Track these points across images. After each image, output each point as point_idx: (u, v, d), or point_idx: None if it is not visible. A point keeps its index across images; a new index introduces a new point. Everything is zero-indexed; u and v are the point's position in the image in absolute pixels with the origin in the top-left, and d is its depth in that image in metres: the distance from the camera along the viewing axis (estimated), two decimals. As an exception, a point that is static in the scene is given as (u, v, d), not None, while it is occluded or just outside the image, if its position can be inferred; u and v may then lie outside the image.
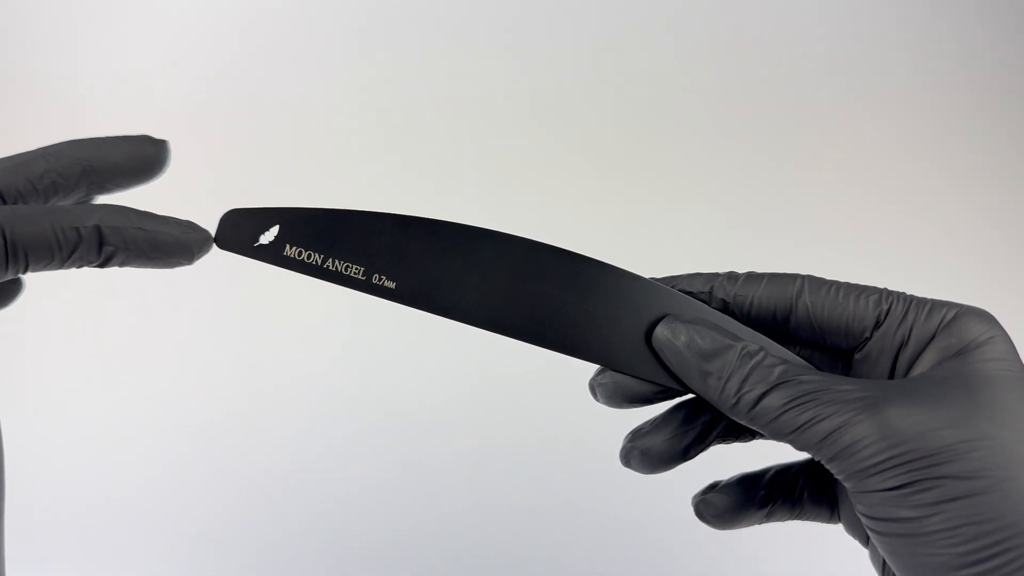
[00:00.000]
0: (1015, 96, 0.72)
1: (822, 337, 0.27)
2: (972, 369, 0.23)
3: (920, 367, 0.25)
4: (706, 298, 0.27)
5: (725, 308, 0.27)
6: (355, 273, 0.27)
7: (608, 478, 0.58)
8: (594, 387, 0.27)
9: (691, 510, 0.28)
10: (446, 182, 0.68)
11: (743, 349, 0.25)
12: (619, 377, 0.27)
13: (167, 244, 0.25)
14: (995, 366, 0.23)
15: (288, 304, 0.64)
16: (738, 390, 0.24)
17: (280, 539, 0.61)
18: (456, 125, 0.69)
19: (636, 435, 0.27)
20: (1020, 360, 0.24)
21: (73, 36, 0.67)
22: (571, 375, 0.30)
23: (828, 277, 0.27)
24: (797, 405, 0.23)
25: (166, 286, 0.65)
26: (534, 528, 0.62)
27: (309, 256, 0.27)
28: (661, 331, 0.26)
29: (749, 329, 0.26)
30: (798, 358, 0.26)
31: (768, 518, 0.28)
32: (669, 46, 0.70)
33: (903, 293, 0.26)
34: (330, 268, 0.27)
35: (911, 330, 0.25)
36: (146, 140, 0.27)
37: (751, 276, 0.27)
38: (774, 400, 0.23)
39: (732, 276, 0.27)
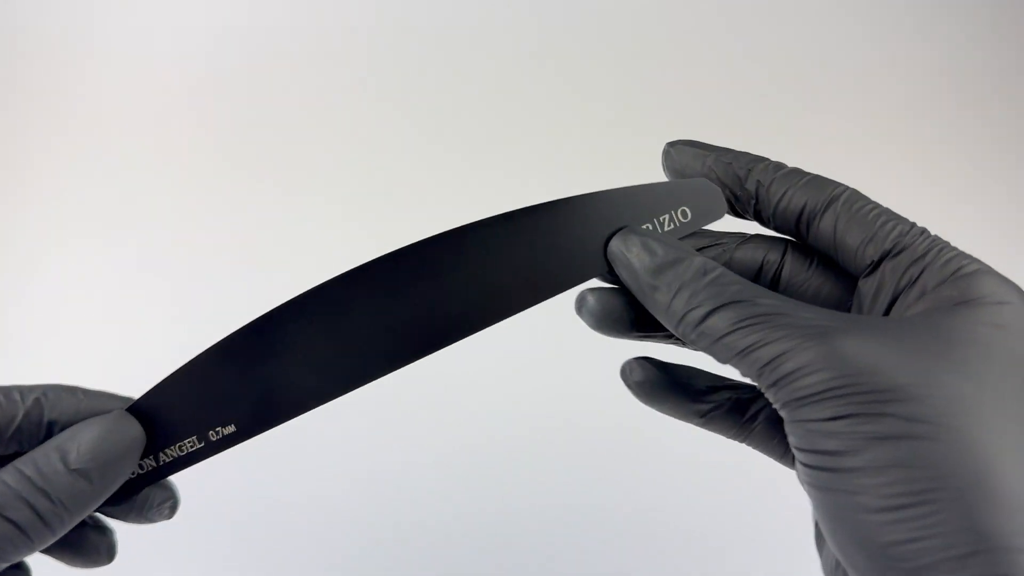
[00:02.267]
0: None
1: (835, 253, 0.25)
2: (959, 323, 0.21)
3: (910, 311, 0.23)
4: (743, 175, 0.26)
5: (756, 195, 0.26)
6: (192, 446, 0.24)
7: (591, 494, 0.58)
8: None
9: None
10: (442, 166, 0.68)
11: (699, 263, 0.23)
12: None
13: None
14: (987, 332, 0.21)
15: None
16: (686, 305, 0.22)
17: (285, 544, 0.61)
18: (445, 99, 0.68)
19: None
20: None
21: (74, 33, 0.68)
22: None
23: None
24: (744, 327, 0.21)
25: (177, 294, 0.66)
26: (523, 536, 0.62)
27: (142, 467, 0.24)
28: (615, 244, 0.25)
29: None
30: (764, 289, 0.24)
31: (707, 424, 0.27)
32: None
33: (935, 236, 0.24)
34: (168, 461, 0.24)
35: (922, 271, 0.23)
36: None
37: (795, 171, 0.25)
38: (721, 320, 0.22)
39: (778, 165, 0.26)
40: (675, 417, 0.27)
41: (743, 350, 0.21)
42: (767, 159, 0.26)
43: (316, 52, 0.70)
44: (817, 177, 0.25)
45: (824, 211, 0.24)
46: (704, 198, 0.26)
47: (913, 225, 0.24)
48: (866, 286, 0.24)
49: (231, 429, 0.24)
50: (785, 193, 0.25)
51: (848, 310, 0.25)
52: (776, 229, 0.26)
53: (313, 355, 0.24)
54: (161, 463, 0.24)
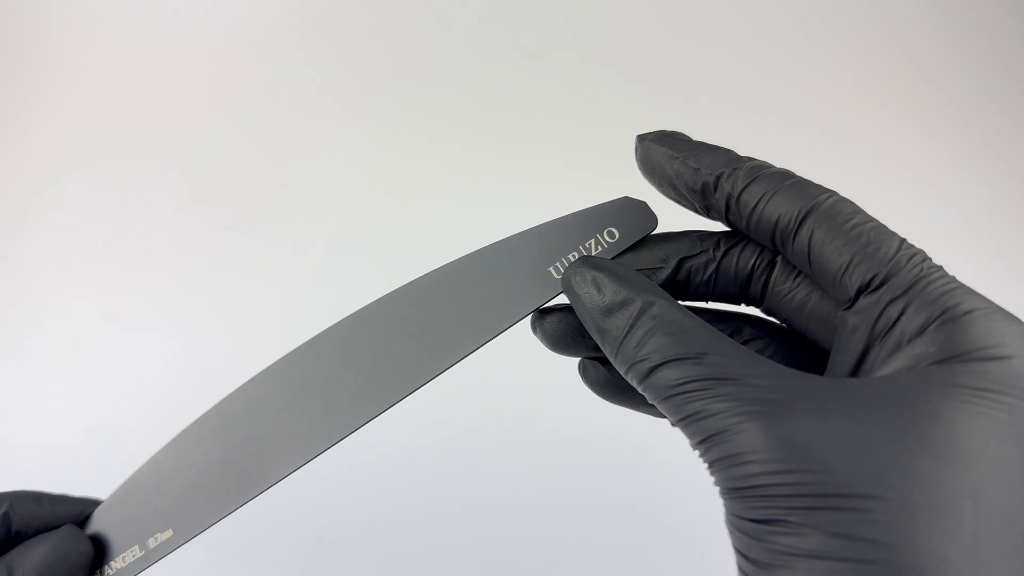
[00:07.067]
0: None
1: (814, 278, 0.21)
2: (936, 393, 0.17)
3: (883, 369, 0.19)
4: (711, 183, 0.22)
5: (726, 207, 0.22)
6: (134, 556, 0.24)
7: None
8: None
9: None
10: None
11: (647, 305, 0.20)
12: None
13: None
14: (973, 408, 0.16)
15: (295, 307, 0.64)
16: (632, 355, 0.20)
17: (281, 541, 0.61)
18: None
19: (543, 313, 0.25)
20: None
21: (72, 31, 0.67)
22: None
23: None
24: (686, 391, 0.18)
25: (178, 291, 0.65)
26: (529, 531, 0.62)
27: None
28: (567, 275, 0.23)
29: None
30: (720, 333, 0.20)
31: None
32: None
33: (927, 261, 0.19)
34: (112, 575, 0.24)
35: (902, 312, 0.19)
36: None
37: (775, 175, 0.21)
38: (664, 378, 0.19)
39: (754, 169, 0.22)
40: (643, 412, 0.25)
41: (684, 418, 0.18)
42: (743, 161, 0.22)
43: (317, 43, 0.69)
44: (799, 183, 0.21)
45: (800, 225, 0.21)
46: (630, 215, 0.25)
47: (902, 244, 0.20)
48: (847, 319, 0.20)
49: (167, 534, 0.24)
50: (757, 204, 0.21)
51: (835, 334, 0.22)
52: (761, 242, 0.23)
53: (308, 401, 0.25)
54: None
